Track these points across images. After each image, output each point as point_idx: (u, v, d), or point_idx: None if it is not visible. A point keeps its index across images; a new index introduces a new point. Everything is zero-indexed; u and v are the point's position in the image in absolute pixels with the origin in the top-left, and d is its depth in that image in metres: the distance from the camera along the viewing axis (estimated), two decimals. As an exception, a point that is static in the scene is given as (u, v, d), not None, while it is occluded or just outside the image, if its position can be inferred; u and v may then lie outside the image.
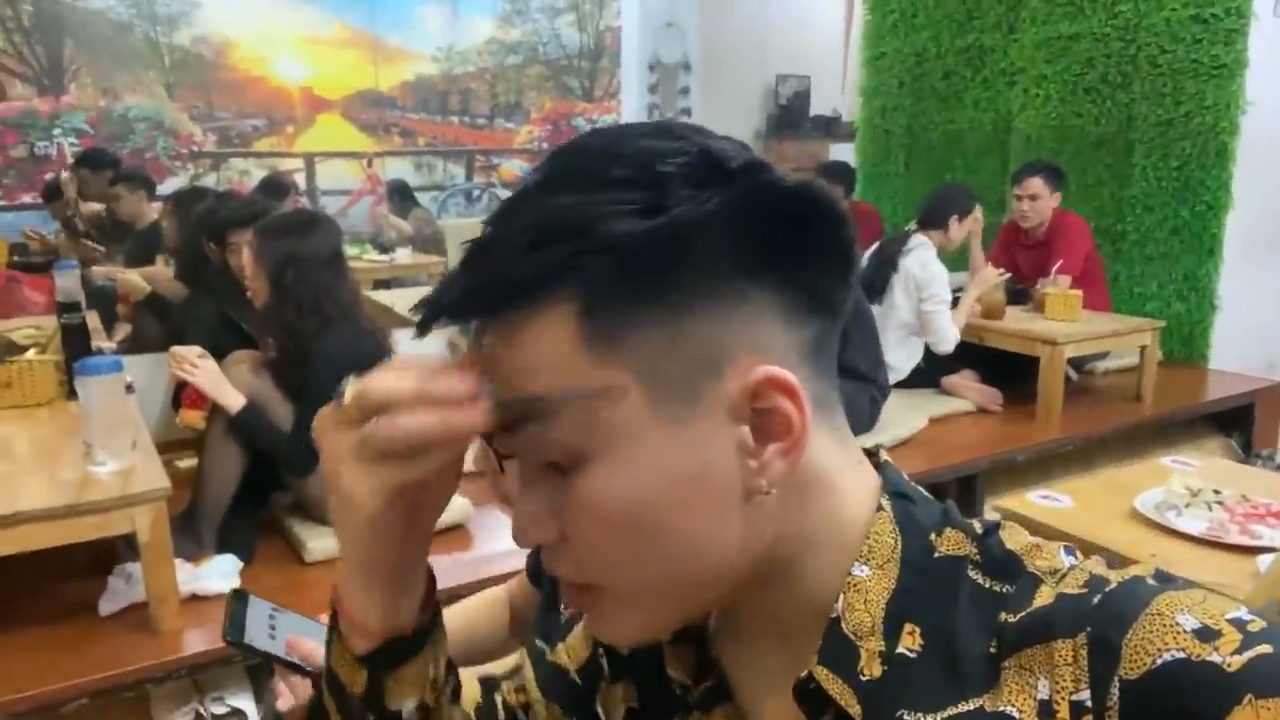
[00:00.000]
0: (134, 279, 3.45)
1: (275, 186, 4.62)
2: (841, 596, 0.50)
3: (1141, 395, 3.58)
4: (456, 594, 2.07)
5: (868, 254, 3.57)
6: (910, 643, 0.49)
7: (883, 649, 0.49)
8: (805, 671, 0.50)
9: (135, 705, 1.96)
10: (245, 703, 1.98)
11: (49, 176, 5.04)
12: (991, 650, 0.47)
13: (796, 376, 0.48)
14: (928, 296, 3.36)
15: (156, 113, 5.70)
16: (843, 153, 6.16)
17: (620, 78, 7.34)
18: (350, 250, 2.62)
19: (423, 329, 0.50)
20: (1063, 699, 0.44)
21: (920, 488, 0.56)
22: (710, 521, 0.48)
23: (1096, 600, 0.45)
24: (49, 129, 5.40)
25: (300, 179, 6.02)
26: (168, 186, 5.33)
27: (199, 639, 1.90)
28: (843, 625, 0.50)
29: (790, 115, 7.56)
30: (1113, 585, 0.46)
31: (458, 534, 2.37)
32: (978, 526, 0.52)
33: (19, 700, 1.71)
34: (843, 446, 0.53)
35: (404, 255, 5.37)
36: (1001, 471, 3.16)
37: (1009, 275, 3.70)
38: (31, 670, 1.78)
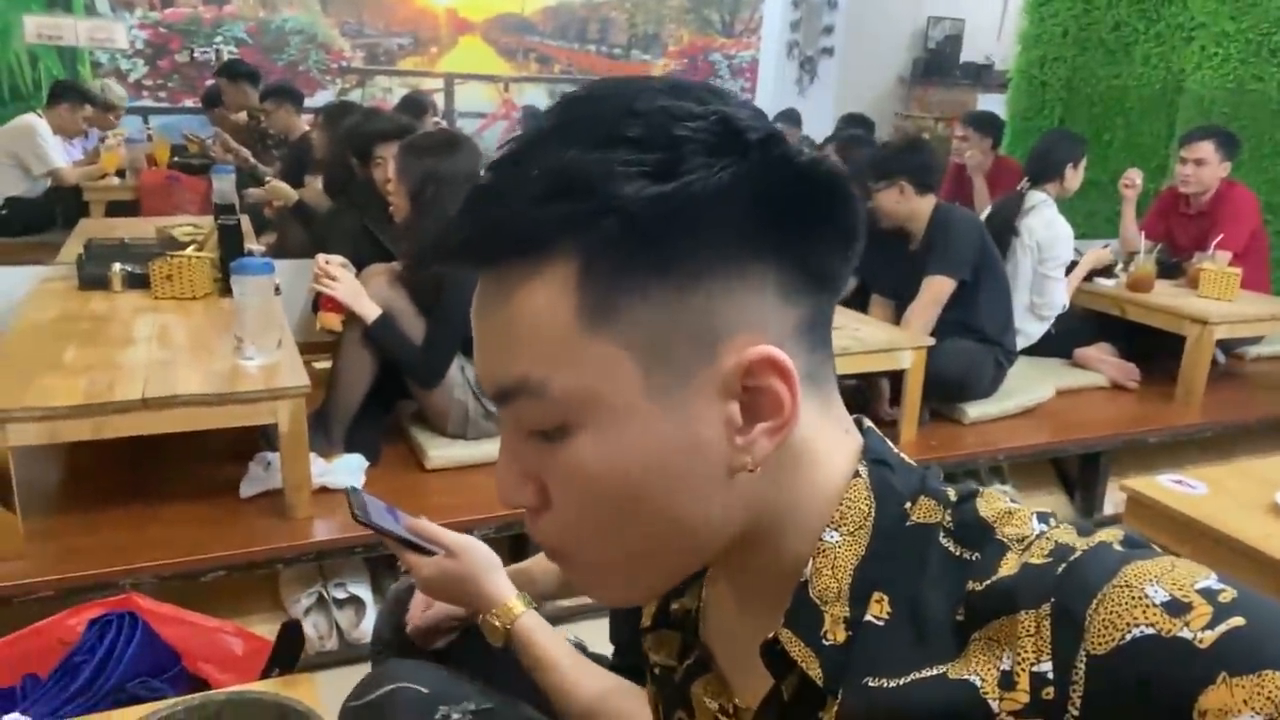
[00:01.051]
0: (283, 187, 3.61)
1: (415, 105, 4.72)
2: (811, 561, 0.50)
3: (1295, 386, 3.35)
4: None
5: (984, 215, 3.41)
6: (879, 610, 0.49)
7: (848, 615, 0.49)
8: (771, 634, 0.50)
9: (266, 582, 2.13)
10: (364, 591, 2.12)
11: (209, 83, 5.30)
12: (959, 618, 0.47)
13: (790, 354, 0.47)
14: (1048, 258, 3.19)
15: (311, 26, 5.90)
16: (992, 103, 5.85)
17: (763, 12, 7.14)
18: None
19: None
20: (1023, 670, 0.43)
21: (903, 455, 0.55)
22: (693, 495, 0.48)
23: (1060, 570, 0.44)
24: (211, 37, 5.66)
25: (439, 99, 6.15)
26: (318, 100, 5.53)
27: (326, 528, 2.03)
28: (809, 590, 0.50)
29: (939, 60, 7.22)
30: (1077, 554, 0.45)
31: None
32: (952, 494, 0.52)
33: (166, 565, 1.88)
34: (830, 419, 0.52)
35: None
36: (1130, 452, 3.01)
37: (1160, 245, 3.48)
38: (178, 540, 1.95)
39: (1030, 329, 3.27)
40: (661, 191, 0.44)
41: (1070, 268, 3.32)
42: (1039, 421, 2.98)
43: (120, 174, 4.55)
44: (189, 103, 5.49)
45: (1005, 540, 0.48)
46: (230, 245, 2.54)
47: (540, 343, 0.46)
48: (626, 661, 1.07)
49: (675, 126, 0.45)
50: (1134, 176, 3.66)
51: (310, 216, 3.49)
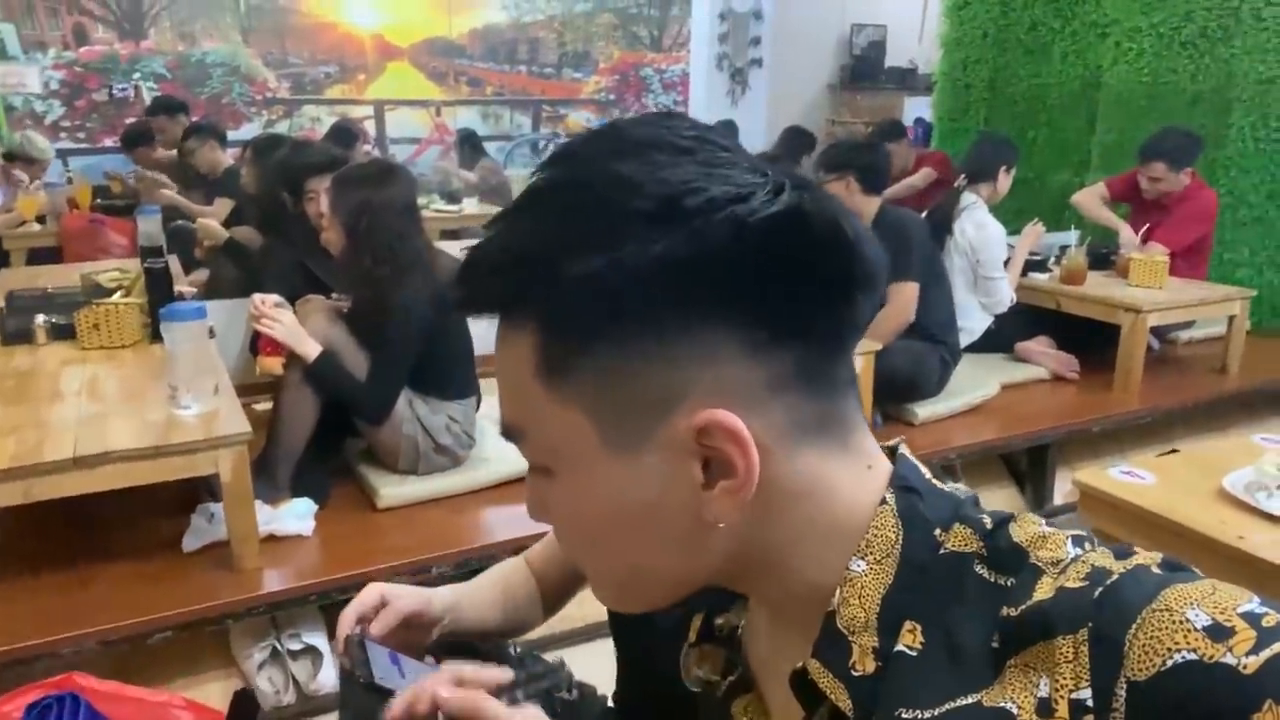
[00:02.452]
0: (212, 225, 3.52)
1: (344, 134, 4.65)
2: (838, 591, 0.50)
3: (1227, 367, 3.45)
4: (522, 545, 2.11)
5: (922, 215, 3.47)
6: (911, 640, 0.48)
7: (876, 645, 0.49)
8: (800, 664, 0.50)
9: (217, 638, 2.05)
10: (319, 640, 2.05)
11: (129, 121, 5.15)
12: (994, 645, 0.46)
13: (760, 410, 0.47)
14: (984, 259, 3.26)
15: (232, 58, 5.78)
16: (919, 106, 5.98)
17: (690, 27, 7.20)
18: (418, 201, 2.64)
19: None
20: (1062, 697, 0.42)
21: (936, 482, 0.54)
22: (661, 540, 0.50)
23: (1097, 594, 0.44)
24: (129, 73, 5.51)
25: (370, 126, 6.07)
26: (244, 132, 5.42)
27: (277, 577, 1.97)
28: (837, 620, 0.50)
29: (865, 66, 7.36)
30: (1115, 577, 0.44)
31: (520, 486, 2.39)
32: (988, 522, 0.51)
33: (110, 630, 1.80)
34: (846, 454, 0.52)
35: (471, 205, 5.37)
36: (1076, 442, 3.08)
37: (1089, 238, 3.56)
38: (121, 602, 1.86)
39: (972, 325, 3.33)
40: (597, 267, 0.45)
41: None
42: (986, 417, 3.03)
43: (40, 220, 4.39)
44: (109, 142, 5.33)
45: (1040, 564, 0.48)
46: (159, 290, 2.46)
47: (517, 395, 0.51)
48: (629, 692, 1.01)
49: (618, 199, 0.46)
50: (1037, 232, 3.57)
51: (243, 254, 3.39)
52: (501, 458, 2.40)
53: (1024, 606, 0.46)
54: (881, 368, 2.70)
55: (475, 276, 0.50)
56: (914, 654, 0.48)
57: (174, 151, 4.50)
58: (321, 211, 2.38)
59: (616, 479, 0.49)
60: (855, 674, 0.49)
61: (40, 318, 2.46)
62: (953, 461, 2.94)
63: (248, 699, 1.00)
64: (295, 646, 2.03)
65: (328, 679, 1.99)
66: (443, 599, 0.96)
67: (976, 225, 3.27)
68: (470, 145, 5.84)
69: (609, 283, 0.45)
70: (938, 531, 0.51)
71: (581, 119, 7.01)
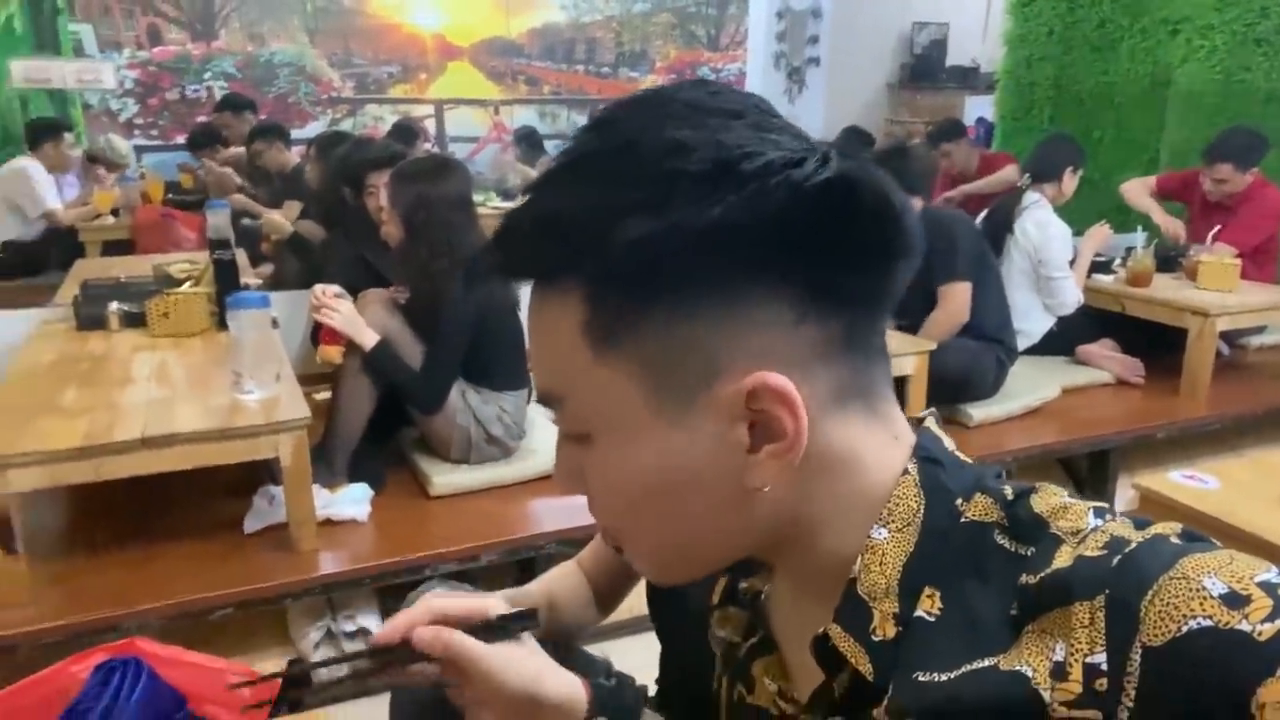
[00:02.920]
0: (278, 220, 3.61)
1: (405, 132, 4.74)
2: (859, 558, 0.51)
3: (1301, 374, 3.33)
4: (568, 536, 2.13)
5: (981, 216, 3.41)
6: (930, 606, 0.49)
7: (897, 610, 0.50)
8: (821, 629, 0.51)
9: (274, 618, 2.11)
10: (373, 622, 2.09)
11: (199, 119, 5.32)
12: (1012, 613, 0.47)
13: (806, 376, 0.48)
14: (1045, 259, 3.19)
15: (299, 58, 5.93)
16: (980, 106, 5.87)
17: (747, 25, 7.17)
18: (475, 197, 2.68)
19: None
20: (1076, 661, 0.43)
21: (958, 453, 0.55)
22: (704, 510, 0.50)
23: (1115, 562, 0.44)
24: (200, 73, 5.68)
25: (430, 125, 6.17)
26: (309, 130, 5.55)
27: (333, 560, 2.02)
28: (858, 587, 0.51)
29: (926, 65, 7.24)
30: (1133, 546, 0.45)
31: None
32: (1009, 492, 0.52)
33: (172, 605, 1.86)
34: (877, 424, 0.52)
35: (526, 203, 5.42)
36: (1139, 448, 3.00)
37: (1156, 240, 3.47)
38: (184, 579, 1.93)
39: (1032, 328, 3.27)
40: (651, 230, 0.45)
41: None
42: (1045, 421, 2.96)
43: (115, 213, 4.56)
44: (181, 139, 5.51)
45: (1060, 534, 0.48)
46: (226, 280, 2.54)
47: (559, 360, 0.50)
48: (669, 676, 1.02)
49: (669, 161, 0.45)
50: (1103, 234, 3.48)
51: (306, 248, 3.48)
52: (550, 450, 2.41)
53: (1043, 574, 0.46)
54: (934, 366, 2.67)
55: (515, 241, 0.50)
56: (932, 619, 0.49)
57: (241, 149, 4.63)
58: (381, 205, 2.44)
59: (660, 444, 0.49)
60: (875, 639, 0.50)
61: (113, 305, 2.56)
62: (1009, 465, 2.89)
63: (302, 668, 1.03)
64: (349, 628, 2.07)
65: (379, 661, 2.03)
66: (496, 606, 0.97)
67: (1038, 224, 3.21)
68: (530, 143, 5.90)
69: (663, 246, 0.45)
70: (959, 501, 0.51)
71: (638, 118, 7.02)
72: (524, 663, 0.61)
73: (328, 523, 2.11)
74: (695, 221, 0.45)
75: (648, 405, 0.48)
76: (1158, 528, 0.46)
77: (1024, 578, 0.47)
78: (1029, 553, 0.48)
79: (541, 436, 2.49)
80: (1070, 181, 3.30)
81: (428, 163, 2.48)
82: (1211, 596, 0.41)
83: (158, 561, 2.00)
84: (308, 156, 3.99)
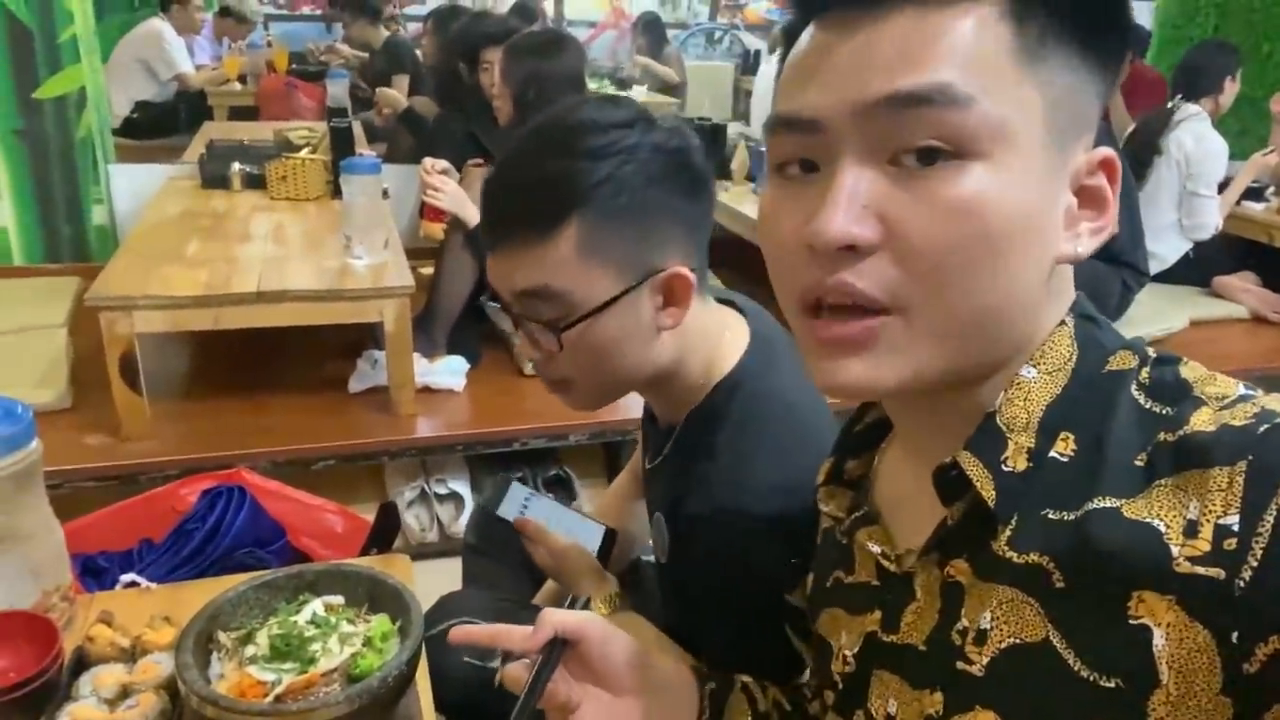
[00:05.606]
0: (392, 93, 3.64)
1: (525, 10, 4.66)
2: (1002, 393, 0.51)
3: None
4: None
5: (1127, 133, 3.15)
6: (1063, 448, 0.50)
7: (1032, 445, 0.50)
8: (950, 458, 0.51)
9: (372, 474, 2.22)
10: (463, 488, 2.18)
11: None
12: (1138, 463, 0.47)
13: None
14: (1196, 174, 2.94)
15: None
16: (1138, 10, 5.38)
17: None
18: (589, 84, 2.62)
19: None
20: (1208, 520, 0.43)
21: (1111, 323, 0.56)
22: (1032, 258, 0.50)
23: (1262, 430, 0.44)
24: (328, -56, 5.69)
25: (549, 6, 6.05)
26: (428, 6, 5.53)
27: (429, 425, 2.09)
28: (997, 418, 0.51)
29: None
30: None
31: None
32: (1153, 353, 0.52)
33: (279, 451, 1.97)
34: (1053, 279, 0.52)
35: (639, 94, 5.31)
36: (1272, 390, 2.80)
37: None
38: (290, 429, 2.04)
39: (1165, 252, 3.06)
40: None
41: (1224, 186, 3.06)
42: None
43: (242, 80, 4.68)
44: (306, 9, 5.58)
45: (1204, 397, 0.48)
46: (341, 147, 2.59)
47: (973, 59, 0.46)
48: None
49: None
50: (1265, 164, 3.25)
51: (419, 123, 3.51)
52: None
53: (1181, 433, 0.46)
54: (1055, 285, 2.53)
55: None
56: (1064, 460, 0.50)
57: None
58: (494, 81, 2.41)
59: (1037, 179, 0.48)
60: (1005, 469, 0.50)
61: (236, 165, 2.65)
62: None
63: (391, 512, 1.07)
64: (441, 491, 2.16)
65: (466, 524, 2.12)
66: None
67: (1196, 138, 2.95)
68: (651, 31, 5.73)
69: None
70: (1109, 356, 0.52)
71: (760, 9, 6.74)
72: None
73: (426, 390, 2.18)
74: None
75: (1044, 137, 0.48)
76: None
77: (1162, 435, 0.47)
78: (1165, 411, 0.48)
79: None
80: (1230, 90, 3.02)
81: (541, 36, 2.43)
82: None
83: (268, 411, 2.11)
84: (425, 31, 3.98)
